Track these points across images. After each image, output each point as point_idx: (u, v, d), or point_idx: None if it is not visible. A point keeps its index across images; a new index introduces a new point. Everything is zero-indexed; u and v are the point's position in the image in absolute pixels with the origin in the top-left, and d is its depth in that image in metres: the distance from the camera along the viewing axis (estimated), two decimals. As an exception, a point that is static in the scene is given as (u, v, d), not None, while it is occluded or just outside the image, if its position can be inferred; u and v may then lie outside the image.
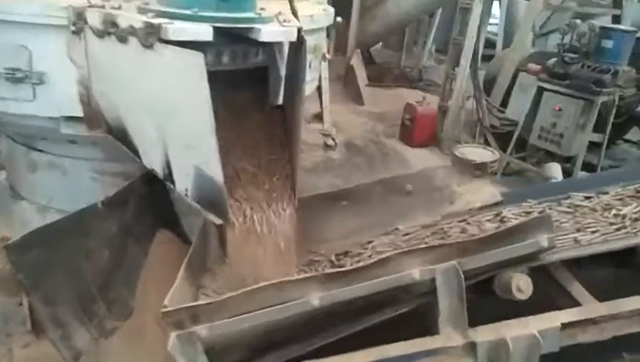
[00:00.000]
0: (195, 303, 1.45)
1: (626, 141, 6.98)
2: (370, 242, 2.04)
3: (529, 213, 2.03)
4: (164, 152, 1.69)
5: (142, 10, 1.62)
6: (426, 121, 6.79)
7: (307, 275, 1.50)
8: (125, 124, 1.81)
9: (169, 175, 1.73)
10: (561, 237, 1.79)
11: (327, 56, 2.95)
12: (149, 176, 1.90)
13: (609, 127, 5.44)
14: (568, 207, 2.01)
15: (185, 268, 1.75)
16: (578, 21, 5.87)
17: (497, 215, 2.05)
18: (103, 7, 1.71)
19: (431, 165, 6.02)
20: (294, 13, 1.93)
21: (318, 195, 2.14)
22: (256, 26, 1.66)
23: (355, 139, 6.69)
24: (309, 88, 2.95)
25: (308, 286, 1.48)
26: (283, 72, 2.09)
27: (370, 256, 1.97)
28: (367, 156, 6.22)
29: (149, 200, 2.05)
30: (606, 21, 7.14)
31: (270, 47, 1.94)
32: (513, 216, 2.01)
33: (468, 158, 4.70)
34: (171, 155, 1.68)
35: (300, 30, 1.74)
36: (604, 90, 5.14)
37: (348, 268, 1.51)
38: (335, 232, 2.14)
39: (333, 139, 6.17)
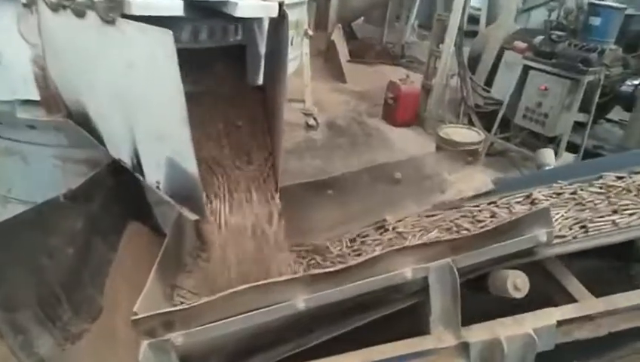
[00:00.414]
0: (168, 309, 1.32)
1: (608, 120, 6.99)
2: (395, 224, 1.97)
3: (559, 193, 1.94)
4: (132, 141, 1.53)
5: (102, -19, 1.43)
6: (410, 100, 6.68)
7: (292, 276, 1.38)
8: (87, 108, 1.63)
9: (138, 166, 1.57)
10: (597, 220, 1.72)
11: (310, 32, 2.79)
12: (117, 165, 1.74)
13: (594, 107, 5.41)
14: (600, 188, 1.91)
15: (158, 266, 1.61)
16: (568, -2, 5.77)
17: (528, 196, 1.97)
18: (57, -24, 1.52)
19: (415, 146, 5.96)
20: (273, -17, 1.76)
21: (302, 184, 2.01)
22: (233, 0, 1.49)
23: (338, 119, 6.56)
24: (291, 66, 2.79)
25: (293, 287, 1.37)
26: (263, 50, 1.93)
27: (390, 239, 1.89)
28: (350, 136, 6.11)
29: (117, 190, 1.89)
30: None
31: (248, 23, 1.78)
32: (544, 197, 1.92)
33: (453, 139, 4.62)
34: (140, 145, 1.52)
35: (281, 4, 1.58)
36: (591, 69, 5.07)
37: (335, 268, 1.39)
38: (321, 222, 2.02)
39: (314, 119, 6.03)
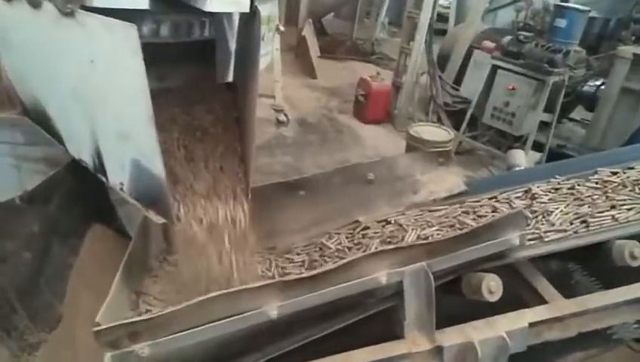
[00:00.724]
0: (133, 319, 1.25)
1: (571, 120, 7.19)
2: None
3: (557, 189, 1.96)
4: (94, 141, 1.44)
5: (60, -31, 1.33)
6: (380, 98, 6.70)
7: (264, 282, 1.33)
8: (44, 105, 1.53)
9: (100, 167, 1.48)
10: (598, 215, 1.75)
11: (282, 28, 2.73)
12: (77, 164, 1.65)
13: (558, 107, 5.55)
14: (596, 183, 1.95)
15: (122, 271, 1.54)
16: (534, -1, 5.89)
17: (527, 192, 1.98)
18: (10, -37, 1.41)
19: (386, 143, 5.98)
20: (245, -22, 1.69)
21: (273, 185, 1.96)
22: (202, -8, 1.42)
23: (308, 115, 6.52)
24: (262, 63, 2.72)
25: (265, 294, 1.33)
26: (233, 46, 1.86)
27: (392, 231, 1.87)
28: (320, 133, 6.08)
29: (78, 190, 1.80)
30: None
31: (218, 18, 1.71)
32: (542, 192, 1.94)
33: (422, 138, 4.65)
34: (102, 145, 1.43)
35: (253, 0, 1.52)
36: (556, 70, 5.20)
37: (309, 273, 1.35)
38: (293, 224, 1.98)
39: (285, 115, 5.96)
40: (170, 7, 1.50)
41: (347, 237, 1.92)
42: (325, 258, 1.81)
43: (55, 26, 1.31)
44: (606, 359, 1.85)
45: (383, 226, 1.94)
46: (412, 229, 1.82)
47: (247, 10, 1.51)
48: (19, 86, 1.57)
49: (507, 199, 1.97)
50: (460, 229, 1.74)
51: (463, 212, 1.92)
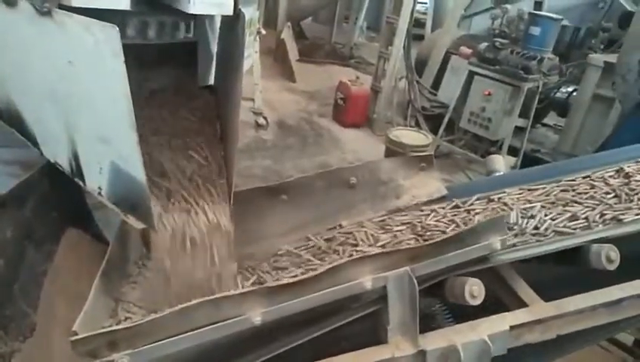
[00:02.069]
0: (112, 328, 1.22)
1: (544, 125, 7.37)
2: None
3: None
4: (71, 144, 1.40)
5: (37, -33, 1.29)
6: (359, 102, 6.74)
7: (247, 289, 1.31)
8: (19, 107, 1.48)
9: (77, 170, 1.44)
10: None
11: (262, 31, 2.71)
12: (52, 167, 1.60)
13: (532, 113, 5.68)
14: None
15: (101, 277, 1.50)
16: (509, 6, 6.01)
17: (618, 171, 2.06)
18: (-16, -41, 1.36)
19: (365, 147, 6.01)
20: (227, -21, 1.67)
21: (255, 189, 1.93)
22: (184, -6, 1.40)
23: (288, 118, 6.50)
24: (244, 65, 2.70)
25: (248, 301, 1.30)
26: (214, 49, 1.84)
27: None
28: (300, 136, 6.07)
29: (53, 194, 1.74)
30: (528, 6, 7.41)
31: (200, 20, 1.69)
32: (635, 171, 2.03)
33: (401, 142, 4.70)
34: (80, 149, 1.39)
35: (236, 2, 1.50)
36: (531, 76, 5.32)
37: (292, 279, 1.34)
38: (275, 229, 1.96)
39: (264, 118, 5.94)
40: (152, 8, 1.47)
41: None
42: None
43: (31, 25, 1.27)
44: (580, 358, 1.88)
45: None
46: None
47: (230, 12, 1.49)
48: (-8, 87, 1.52)
49: (602, 178, 2.03)
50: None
51: (561, 190, 1.96)
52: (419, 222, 1.93)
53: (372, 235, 1.88)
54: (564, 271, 1.84)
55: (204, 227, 1.58)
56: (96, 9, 1.22)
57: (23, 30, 1.30)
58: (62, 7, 1.21)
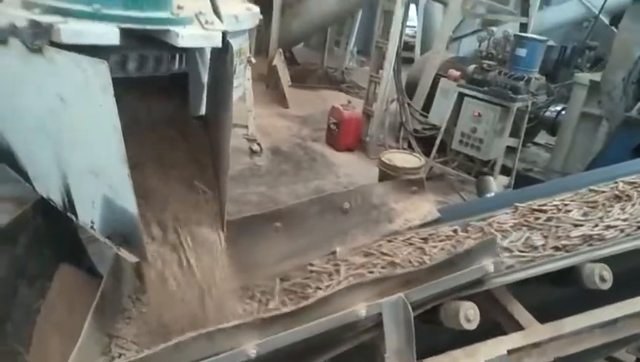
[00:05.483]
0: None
1: (535, 144, 7.44)
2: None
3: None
4: (63, 179, 1.40)
5: (27, 5, 1.31)
6: (352, 125, 6.80)
7: (241, 321, 1.30)
8: (10, 143, 1.48)
9: (69, 205, 1.44)
10: None
11: (253, 60, 2.74)
12: (45, 203, 1.59)
13: (523, 132, 5.74)
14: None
15: (94, 313, 1.48)
16: (494, 29, 6.13)
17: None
18: (-24, -1, 1.38)
19: (359, 170, 6.03)
20: (217, 12, 1.70)
21: (248, 217, 1.93)
22: (173, 28, 1.42)
23: (281, 144, 6.53)
24: (234, 95, 2.72)
25: (243, 333, 1.29)
26: (205, 80, 1.86)
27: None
28: (294, 162, 6.09)
29: (46, 229, 1.73)
30: (513, 28, 7.58)
31: (190, 52, 1.71)
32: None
33: (395, 164, 4.72)
34: (72, 183, 1.39)
35: (225, 35, 1.53)
36: (519, 97, 5.40)
37: (286, 310, 1.33)
38: (269, 257, 1.95)
39: (258, 145, 5.96)
40: (142, 42, 1.49)
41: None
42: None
43: (22, 62, 1.28)
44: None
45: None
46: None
47: (219, 45, 1.52)
48: (-17, 123, 1.52)
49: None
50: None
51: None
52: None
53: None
54: (560, 291, 1.84)
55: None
56: (86, 45, 1.24)
57: (13, 67, 1.31)
58: (52, 43, 1.23)
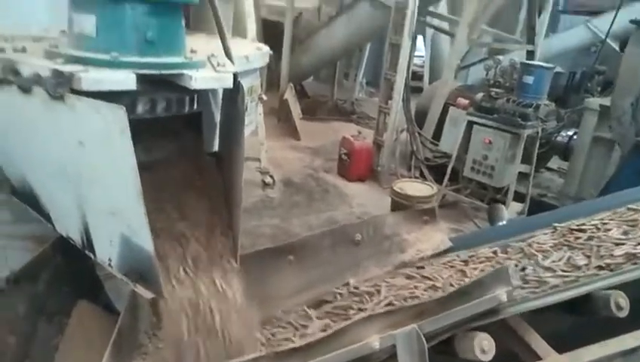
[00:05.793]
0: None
1: (548, 169, 7.40)
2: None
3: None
4: (82, 218, 1.45)
5: (50, 55, 1.40)
6: (363, 155, 6.84)
7: (255, 355, 1.31)
8: (32, 185, 1.55)
9: (88, 243, 1.49)
10: None
11: (264, 97, 2.83)
12: (64, 241, 1.64)
13: (535, 158, 5.72)
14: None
15: (111, 349, 1.51)
16: (501, 57, 6.20)
17: None
18: (2, 50, 1.47)
19: (372, 200, 6.04)
20: (228, 54, 1.78)
21: (261, 251, 1.96)
22: (187, 72, 1.49)
23: (294, 176, 6.59)
24: (246, 131, 2.80)
25: (257, 367, 1.31)
26: (217, 118, 1.93)
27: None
28: (307, 193, 6.12)
29: (65, 267, 1.78)
30: (520, 55, 7.67)
31: (203, 92, 1.78)
32: None
33: (407, 193, 4.73)
34: (90, 222, 1.44)
35: (236, 76, 1.60)
36: (529, 123, 5.41)
37: (300, 343, 1.34)
38: (283, 290, 1.97)
39: (271, 177, 6.03)
40: (157, 85, 1.56)
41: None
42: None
43: (45, 109, 1.35)
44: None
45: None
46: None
47: (230, 86, 1.58)
48: (7, 167, 1.60)
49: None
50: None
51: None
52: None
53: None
54: (576, 319, 1.82)
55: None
56: (105, 90, 1.31)
57: (36, 114, 1.39)
58: (73, 90, 1.29)
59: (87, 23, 1.38)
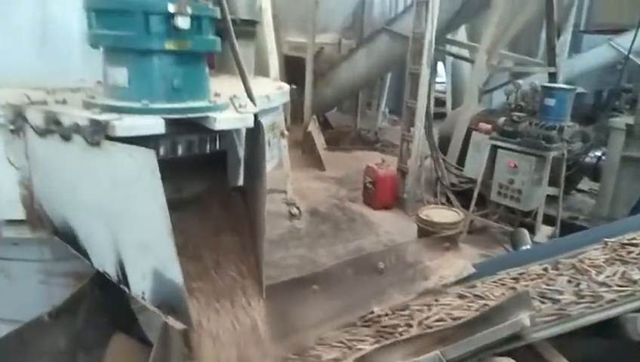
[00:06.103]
0: None
1: (579, 191, 7.25)
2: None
3: None
4: (117, 255, 1.55)
5: (87, 105, 1.53)
6: (388, 183, 6.88)
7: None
8: (72, 225, 1.66)
9: (123, 278, 1.58)
10: None
11: (286, 133, 2.94)
12: (101, 276, 1.74)
13: (562, 180, 5.65)
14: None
15: (145, 380, 1.57)
16: (521, 81, 6.21)
17: None
18: (45, 102, 1.62)
19: (398, 228, 6.04)
20: (250, 96, 1.90)
21: (286, 281, 2.02)
22: (211, 115, 1.60)
23: (320, 206, 6.66)
24: (269, 166, 2.90)
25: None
26: (241, 155, 2.03)
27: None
28: (333, 223, 6.17)
29: (102, 301, 1.87)
30: (542, 78, 7.64)
31: (228, 132, 1.89)
32: None
33: (433, 220, 4.73)
34: (125, 258, 1.54)
35: (256, 116, 1.70)
36: (554, 145, 5.37)
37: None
38: (308, 320, 2.01)
39: (297, 208, 6.12)
40: (184, 127, 1.68)
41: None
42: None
43: (83, 154, 1.48)
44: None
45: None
46: None
47: (251, 125, 1.68)
48: (49, 208, 1.72)
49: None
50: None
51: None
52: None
53: None
54: (605, 343, 1.79)
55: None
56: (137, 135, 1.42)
57: (75, 159, 1.51)
58: (107, 137, 1.41)
59: (120, 75, 1.51)
